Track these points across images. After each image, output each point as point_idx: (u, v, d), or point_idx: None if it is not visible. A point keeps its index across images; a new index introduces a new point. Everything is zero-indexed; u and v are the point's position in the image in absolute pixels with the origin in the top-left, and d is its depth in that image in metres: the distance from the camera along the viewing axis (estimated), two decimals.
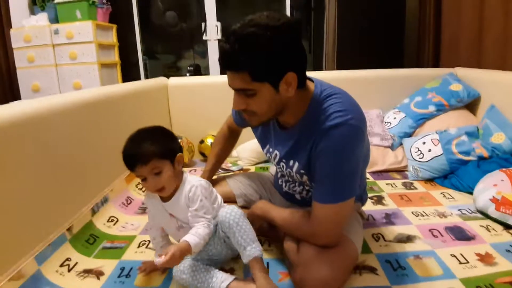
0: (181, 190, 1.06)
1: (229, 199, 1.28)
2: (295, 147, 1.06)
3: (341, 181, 0.97)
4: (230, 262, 1.17)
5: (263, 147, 1.23)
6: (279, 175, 1.32)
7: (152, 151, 0.99)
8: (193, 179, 1.08)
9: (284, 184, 1.27)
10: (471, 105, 2.18)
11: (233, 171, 2.10)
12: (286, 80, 0.92)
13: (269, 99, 0.95)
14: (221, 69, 0.98)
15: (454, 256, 1.17)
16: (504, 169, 1.53)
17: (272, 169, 1.48)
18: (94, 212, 1.45)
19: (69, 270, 1.15)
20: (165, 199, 1.07)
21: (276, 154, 1.15)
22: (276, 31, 0.88)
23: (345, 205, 0.98)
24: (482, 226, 1.36)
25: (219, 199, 1.16)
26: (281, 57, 0.90)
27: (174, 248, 0.93)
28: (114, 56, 3.49)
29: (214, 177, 1.46)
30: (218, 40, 3.18)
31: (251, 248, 1.01)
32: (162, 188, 1.02)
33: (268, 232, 1.28)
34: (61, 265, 1.16)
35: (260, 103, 0.95)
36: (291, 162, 1.10)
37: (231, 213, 1.05)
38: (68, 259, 1.19)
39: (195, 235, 0.98)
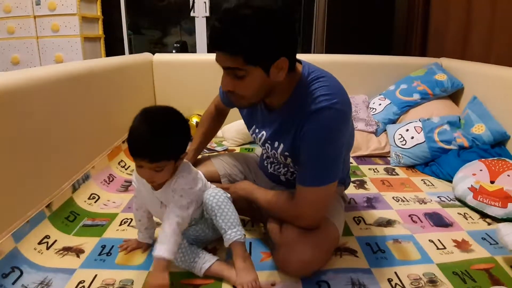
0: (171, 180, 1.00)
1: (213, 179, 1.27)
2: (281, 128, 1.06)
3: (325, 164, 0.98)
4: (213, 242, 1.17)
5: (249, 127, 1.22)
6: (264, 156, 1.32)
7: (164, 151, 0.91)
8: (183, 173, 1.01)
9: (269, 166, 1.28)
10: (454, 95, 2.22)
11: (218, 151, 2.09)
12: (277, 64, 0.91)
13: (259, 83, 0.93)
14: (211, 49, 0.93)
15: (432, 241, 1.20)
16: (483, 159, 1.57)
17: (258, 150, 1.48)
18: (74, 189, 1.43)
19: (47, 248, 1.13)
20: (154, 187, 1.03)
21: (262, 135, 1.14)
22: (273, 15, 0.87)
23: (328, 188, 0.99)
24: (460, 214, 1.40)
25: (204, 182, 1.12)
26: (276, 42, 0.89)
27: (153, 275, 0.92)
28: (98, 30, 3.39)
29: (199, 156, 1.45)
30: (207, 17, 3.11)
31: (231, 232, 1.00)
32: (154, 181, 0.98)
33: (251, 213, 1.28)
34: (40, 243, 1.14)
35: (249, 86, 0.93)
36: (276, 144, 1.10)
37: (214, 196, 1.03)
38: (47, 237, 1.17)
39: (166, 242, 0.92)
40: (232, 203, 1.06)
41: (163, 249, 0.91)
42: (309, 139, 0.96)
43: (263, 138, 1.14)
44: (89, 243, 1.17)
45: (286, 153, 1.08)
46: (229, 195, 1.07)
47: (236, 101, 1.01)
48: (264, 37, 0.86)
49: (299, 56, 1.02)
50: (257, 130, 1.17)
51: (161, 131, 0.91)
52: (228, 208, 1.03)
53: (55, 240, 1.17)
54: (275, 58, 0.90)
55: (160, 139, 0.90)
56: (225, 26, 0.86)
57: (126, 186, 1.63)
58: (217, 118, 1.44)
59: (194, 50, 3.31)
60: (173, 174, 1.01)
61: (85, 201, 1.43)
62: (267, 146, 1.15)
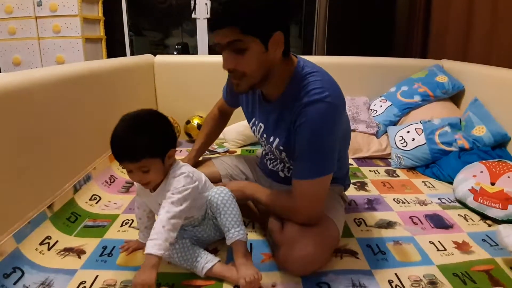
0: (166, 181, 1.01)
1: (214, 179, 1.28)
2: (276, 122, 1.09)
3: (318, 157, 0.99)
4: (214, 242, 1.17)
5: (249, 120, 1.24)
6: (263, 153, 1.33)
7: (144, 149, 0.92)
8: (177, 172, 1.01)
9: (268, 163, 1.29)
10: (455, 97, 2.22)
11: (219, 153, 2.09)
12: (274, 39, 0.93)
13: (259, 58, 0.95)
14: (212, 32, 0.96)
15: (433, 243, 1.20)
16: (483, 161, 1.57)
17: (259, 151, 1.48)
18: (76, 189, 1.43)
19: (49, 249, 1.13)
20: (152, 189, 1.04)
21: (260, 127, 1.17)
22: None
23: (323, 181, 1.00)
24: (460, 216, 1.40)
25: (204, 182, 1.12)
26: (271, 12, 0.92)
27: (138, 273, 0.88)
28: (99, 31, 3.40)
29: (200, 158, 1.45)
30: (208, 19, 3.11)
31: (234, 231, 1.02)
32: (147, 183, 0.98)
33: (246, 212, 1.29)
34: (41, 243, 1.14)
35: (250, 61, 0.95)
36: (272, 138, 1.12)
37: (220, 193, 1.05)
38: (48, 237, 1.17)
39: (155, 237, 0.90)
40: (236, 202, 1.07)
41: (151, 245, 0.89)
42: (302, 132, 0.98)
43: (261, 130, 1.17)
44: (90, 244, 1.17)
45: (281, 147, 1.10)
46: (231, 192, 1.08)
47: (238, 83, 1.01)
48: (260, 7, 0.90)
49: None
50: (256, 122, 1.19)
51: (135, 130, 0.93)
52: (233, 207, 1.04)
53: (57, 241, 1.17)
54: (271, 30, 0.93)
55: (135, 138, 0.92)
56: (222, 5, 0.91)
57: (127, 187, 1.64)
58: (220, 120, 1.45)
59: (195, 52, 3.32)
60: (165, 174, 1.01)
61: (86, 202, 1.43)
62: (263, 139, 1.17)
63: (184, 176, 0.99)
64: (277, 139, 1.09)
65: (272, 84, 1.04)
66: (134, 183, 1.10)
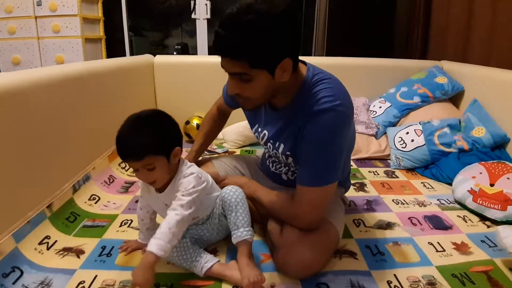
0: (174, 181, 1.01)
1: (214, 180, 1.27)
2: (283, 128, 1.07)
3: (325, 165, 0.98)
4: (214, 243, 1.17)
5: (252, 126, 1.23)
6: (266, 156, 1.33)
7: (147, 147, 0.93)
8: (187, 172, 1.01)
9: (271, 165, 1.28)
10: (455, 98, 2.22)
11: (218, 153, 2.09)
12: (282, 65, 0.92)
13: (265, 85, 0.94)
14: (216, 54, 0.94)
15: (431, 244, 1.20)
16: (483, 162, 1.57)
17: (259, 152, 1.48)
18: (75, 189, 1.43)
19: (48, 248, 1.13)
20: (158, 190, 1.04)
21: (264, 134, 1.16)
22: (276, 19, 0.87)
23: (327, 189, 1.00)
24: (459, 217, 1.40)
25: (211, 184, 1.12)
26: (280, 45, 0.89)
27: (136, 271, 0.87)
28: (99, 31, 3.40)
29: (199, 158, 1.45)
30: (208, 19, 3.12)
31: (244, 230, 1.02)
32: (154, 182, 0.99)
33: (252, 215, 1.28)
34: (40, 243, 1.14)
35: (256, 89, 0.94)
36: (278, 144, 1.11)
37: (235, 192, 1.06)
38: (47, 237, 1.17)
39: (160, 237, 0.89)
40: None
41: (153, 243, 0.88)
42: (310, 139, 0.97)
43: (265, 137, 1.15)
44: (89, 244, 1.17)
45: (288, 153, 1.09)
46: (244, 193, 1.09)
47: (242, 103, 1.02)
48: (268, 41, 0.87)
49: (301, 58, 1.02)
50: (259, 129, 1.18)
51: (138, 128, 0.95)
52: (246, 206, 1.06)
53: (56, 241, 1.17)
54: (280, 59, 0.91)
55: (137, 135, 0.93)
56: (228, 33, 0.87)
57: (127, 187, 1.64)
58: (219, 120, 1.45)
59: (195, 52, 3.31)
60: (173, 174, 1.01)
61: (85, 202, 1.43)
62: (269, 146, 1.16)
63: (194, 177, 1.00)
64: (283, 145, 1.09)
65: (279, 96, 1.03)
66: (138, 182, 1.11)
